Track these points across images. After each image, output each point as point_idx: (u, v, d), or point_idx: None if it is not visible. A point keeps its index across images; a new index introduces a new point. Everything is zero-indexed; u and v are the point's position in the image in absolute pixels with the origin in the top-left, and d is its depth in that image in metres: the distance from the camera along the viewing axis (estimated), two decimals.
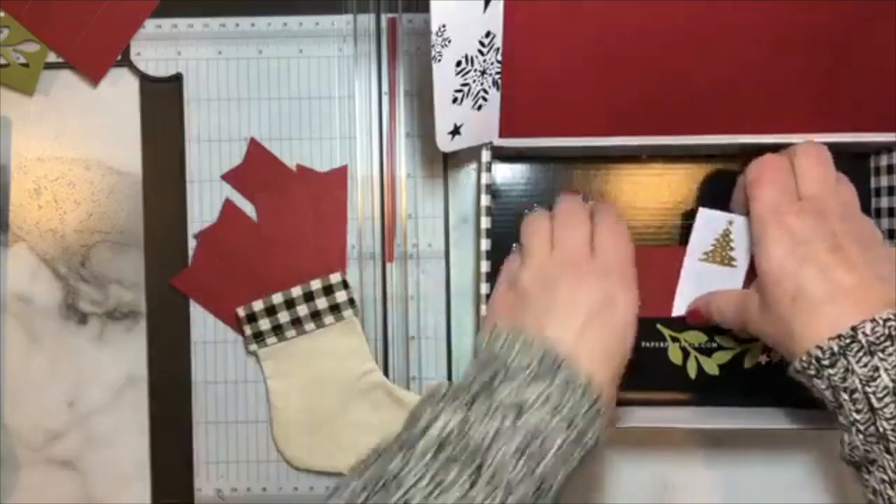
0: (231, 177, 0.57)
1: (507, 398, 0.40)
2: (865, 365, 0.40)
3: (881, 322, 0.40)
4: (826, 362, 0.41)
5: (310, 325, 0.55)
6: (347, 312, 0.55)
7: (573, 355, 0.41)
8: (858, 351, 0.40)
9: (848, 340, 0.40)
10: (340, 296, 0.55)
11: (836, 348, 0.40)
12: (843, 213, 0.45)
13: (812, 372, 0.42)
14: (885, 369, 0.39)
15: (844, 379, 0.40)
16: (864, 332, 0.40)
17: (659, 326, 0.54)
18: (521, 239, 0.49)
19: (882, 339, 0.40)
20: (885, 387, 0.39)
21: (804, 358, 0.42)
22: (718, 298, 0.50)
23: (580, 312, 0.43)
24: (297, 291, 0.55)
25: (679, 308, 0.53)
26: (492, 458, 0.38)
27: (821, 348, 0.41)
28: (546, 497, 0.39)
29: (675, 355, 0.54)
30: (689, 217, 0.53)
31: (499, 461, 0.38)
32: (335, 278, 0.55)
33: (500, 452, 0.38)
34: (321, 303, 0.55)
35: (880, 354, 0.39)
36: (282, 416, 0.56)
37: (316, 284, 0.55)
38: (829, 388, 0.41)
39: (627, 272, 0.46)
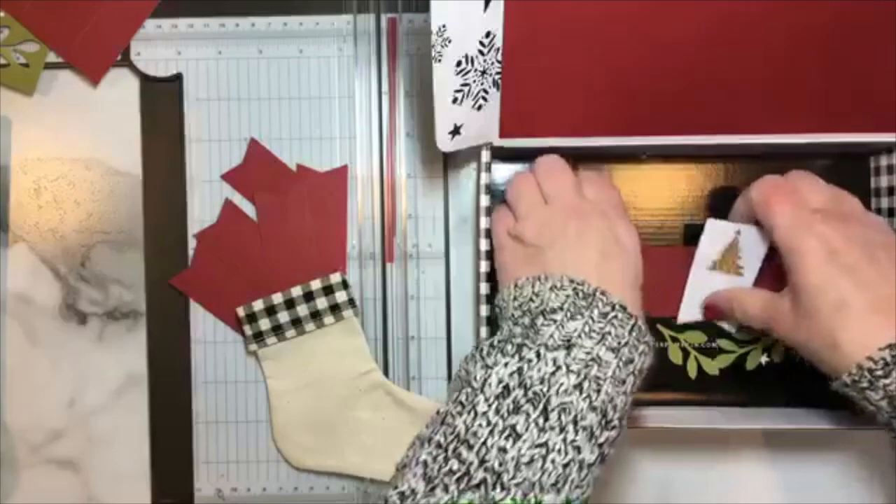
0: (231, 177, 0.57)
1: (552, 338, 0.41)
2: None
3: None
4: (880, 373, 0.41)
5: (310, 325, 0.55)
6: (347, 312, 0.55)
7: (601, 287, 0.42)
8: None
9: None
10: (340, 296, 0.55)
11: (888, 358, 0.41)
12: (861, 216, 0.46)
13: (864, 384, 0.42)
14: None
15: None
16: None
17: (659, 326, 0.54)
18: (509, 199, 0.49)
19: None
20: None
21: (854, 371, 0.42)
22: (744, 295, 0.50)
23: (594, 249, 0.44)
24: (297, 291, 0.55)
25: (685, 315, 0.53)
26: (554, 397, 0.39)
27: (872, 359, 0.41)
28: (611, 429, 0.40)
29: (675, 355, 0.54)
30: (691, 225, 0.54)
31: (562, 399, 0.39)
32: (335, 278, 0.55)
33: (560, 390, 0.39)
34: (321, 303, 0.55)
35: None
36: (282, 416, 0.56)
37: (316, 284, 0.55)
38: (884, 398, 0.41)
39: (620, 210, 0.47)
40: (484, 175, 0.51)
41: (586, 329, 0.41)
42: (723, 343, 0.54)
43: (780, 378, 0.54)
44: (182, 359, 0.57)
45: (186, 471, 0.57)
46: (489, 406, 0.39)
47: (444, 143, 0.50)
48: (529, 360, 0.40)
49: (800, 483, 0.57)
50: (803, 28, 0.48)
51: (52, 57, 0.57)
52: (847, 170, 0.54)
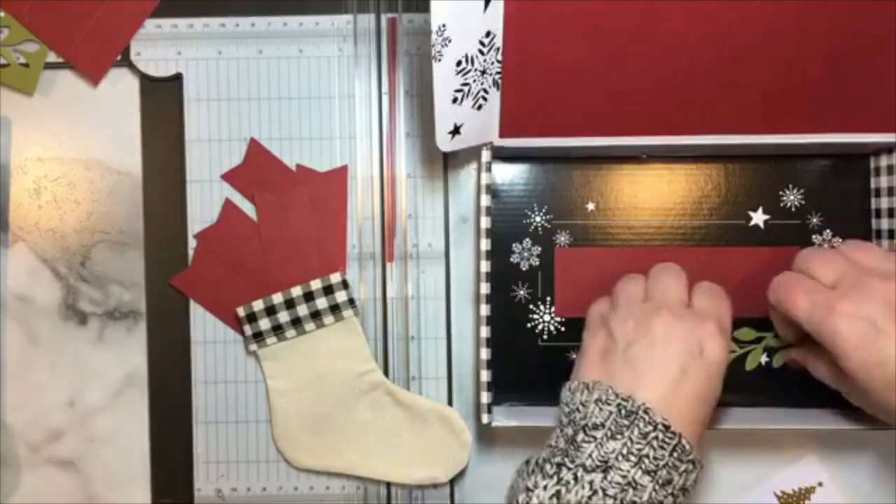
0: (231, 177, 0.57)
1: (591, 458, 0.41)
2: None
3: None
4: None
5: (310, 325, 0.55)
6: (347, 312, 0.55)
7: (655, 403, 0.42)
8: None
9: None
10: (340, 296, 0.55)
11: None
12: (880, 271, 0.44)
13: None
14: None
15: None
16: None
17: None
18: (614, 291, 0.48)
19: None
20: None
21: None
22: (814, 358, 0.49)
23: (673, 358, 0.43)
24: (297, 291, 0.55)
25: None
26: None
27: None
28: None
29: None
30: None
31: None
32: (335, 278, 0.55)
33: None
34: (321, 303, 0.55)
35: None
36: (282, 416, 0.56)
37: (316, 284, 0.55)
38: None
39: (724, 323, 0.46)
40: (484, 175, 0.51)
41: (625, 451, 0.41)
42: None
43: (780, 378, 0.54)
44: (182, 359, 0.57)
45: (186, 471, 0.57)
46: None
47: (444, 143, 0.50)
48: (567, 483, 0.40)
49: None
50: (803, 28, 0.48)
51: (52, 57, 0.57)
52: (847, 170, 0.54)
